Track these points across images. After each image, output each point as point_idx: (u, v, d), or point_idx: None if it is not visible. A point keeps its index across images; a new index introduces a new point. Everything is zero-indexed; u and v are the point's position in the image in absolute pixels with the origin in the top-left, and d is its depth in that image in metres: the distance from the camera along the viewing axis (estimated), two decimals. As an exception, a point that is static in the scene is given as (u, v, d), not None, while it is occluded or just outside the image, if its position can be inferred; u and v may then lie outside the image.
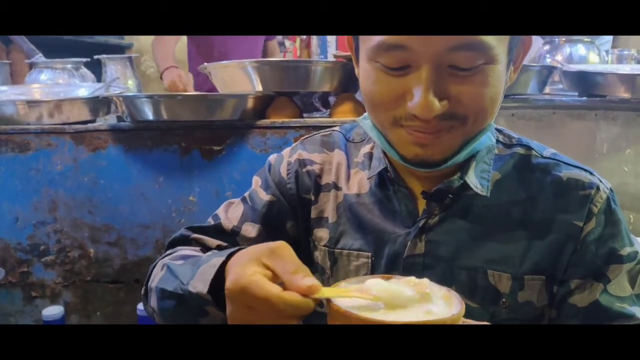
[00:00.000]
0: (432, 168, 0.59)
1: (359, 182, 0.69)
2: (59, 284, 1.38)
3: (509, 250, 0.62)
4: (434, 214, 0.63)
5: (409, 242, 0.63)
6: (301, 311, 0.43)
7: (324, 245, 0.70)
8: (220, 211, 0.75)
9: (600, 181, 0.64)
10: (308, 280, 0.44)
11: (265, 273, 0.45)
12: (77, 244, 1.36)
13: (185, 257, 0.63)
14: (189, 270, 0.56)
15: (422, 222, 0.63)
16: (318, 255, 0.71)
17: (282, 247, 0.47)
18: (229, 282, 0.46)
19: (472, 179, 0.62)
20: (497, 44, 0.53)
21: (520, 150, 0.67)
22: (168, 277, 0.59)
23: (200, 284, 0.53)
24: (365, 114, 0.64)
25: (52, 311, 1.21)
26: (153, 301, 0.61)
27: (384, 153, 0.67)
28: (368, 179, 0.68)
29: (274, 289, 0.43)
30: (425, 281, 0.45)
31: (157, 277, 0.62)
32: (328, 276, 0.69)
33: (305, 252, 0.73)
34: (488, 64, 0.53)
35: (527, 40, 0.61)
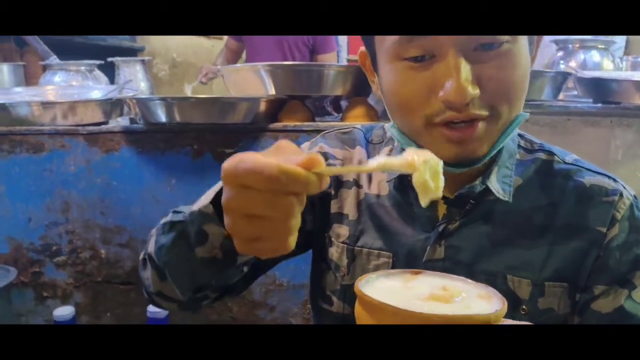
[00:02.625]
0: (469, 166, 0.58)
1: (379, 184, 0.69)
2: (70, 285, 1.38)
3: (529, 256, 0.61)
4: (454, 219, 0.63)
5: (428, 247, 0.63)
6: (301, 184, 0.39)
7: (343, 242, 0.69)
8: None
9: (624, 187, 0.63)
10: (308, 154, 0.40)
11: None
12: (89, 245, 1.36)
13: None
14: (192, 205, 0.56)
15: (441, 227, 0.63)
16: (334, 252, 0.70)
17: (285, 142, 0.45)
18: (225, 164, 0.41)
19: (494, 184, 0.61)
20: None
21: (542, 155, 0.66)
22: (171, 215, 0.59)
23: (203, 201, 0.53)
24: (391, 122, 0.63)
25: (63, 311, 1.21)
26: (151, 246, 0.59)
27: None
28: (387, 182, 0.67)
29: (272, 160, 0.39)
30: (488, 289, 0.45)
31: (158, 225, 0.61)
32: (343, 274, 0.68)
33: (318, 248, 0.72)
34: (509, 42, 0.54)
35: None
